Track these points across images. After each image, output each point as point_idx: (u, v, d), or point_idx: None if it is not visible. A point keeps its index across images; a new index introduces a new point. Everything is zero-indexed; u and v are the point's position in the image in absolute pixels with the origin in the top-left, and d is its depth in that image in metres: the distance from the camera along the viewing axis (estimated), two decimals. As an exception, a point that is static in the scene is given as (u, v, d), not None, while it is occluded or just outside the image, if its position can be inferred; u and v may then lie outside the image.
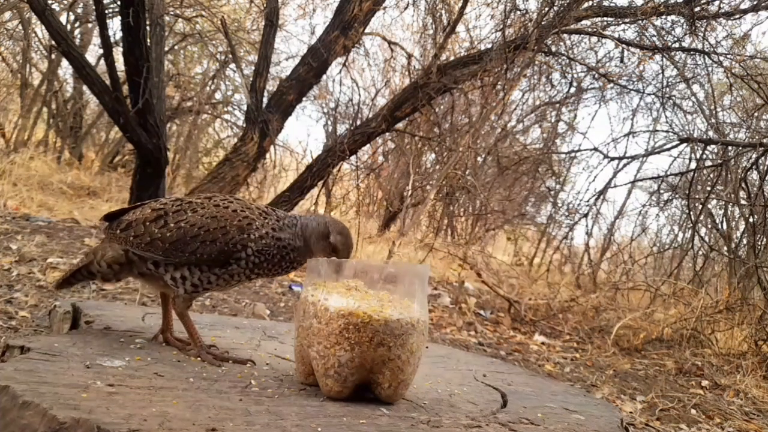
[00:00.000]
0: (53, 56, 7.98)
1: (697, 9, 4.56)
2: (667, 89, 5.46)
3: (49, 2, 4.52)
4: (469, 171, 6.59)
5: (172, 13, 6.55)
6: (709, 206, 5.60)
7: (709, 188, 5.38)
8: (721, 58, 4.86)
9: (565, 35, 5.25)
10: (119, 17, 4.04)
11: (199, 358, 1.46)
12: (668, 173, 5.97)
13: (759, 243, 4.84)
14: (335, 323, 1.25)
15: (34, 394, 1.05)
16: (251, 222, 1.45)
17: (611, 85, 5.83)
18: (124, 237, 1.49)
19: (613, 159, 5.67)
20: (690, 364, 3.93)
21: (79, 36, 8.44)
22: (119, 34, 4.43)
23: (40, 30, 8.10)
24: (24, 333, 2.39)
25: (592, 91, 6.39)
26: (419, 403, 1.35)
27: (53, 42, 4.50)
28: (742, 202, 5.16)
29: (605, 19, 5.08)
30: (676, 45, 5.05)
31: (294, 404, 1.22)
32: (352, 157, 6.69)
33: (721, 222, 5.77)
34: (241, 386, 1.29)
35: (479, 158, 7.06)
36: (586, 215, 6.04)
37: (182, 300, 1.49)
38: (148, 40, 4.12)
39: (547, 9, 4.63)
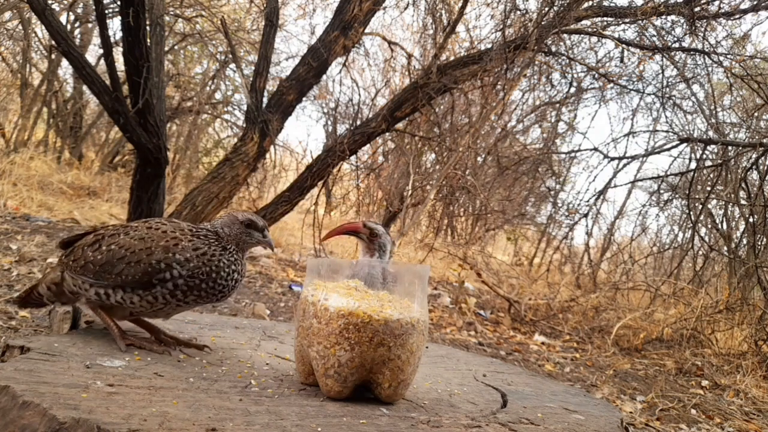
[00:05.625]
0: (53, 56, 7.98)
1: (697, 9, 4.56)
2: (667, 89, 5.46)
3: (49, 2, 4.51)
4: (469, 171, 6.59)
5: (172, 13, 6.55)
6: (709, 206, 5.60)
7: (709, 188, 5.38)
8: (721, 58, 4.86)
9: (565, 35, 5.25)
10: (119, 17, 4.04)
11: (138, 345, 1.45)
12: (668, 173, 5.96)
13: (759, 243, 4.83)
14: (335, 323, 1.25)
15: (34, 394, 1.06)
16: (178, 243, 1.43)
17: (611, 85, 5.82)
18: (66, 261, 1.53)
19: (613, 159, 5.67)
20: (690, 364, 3.93)
21: (79, 36, 8.44)
22: (119, 34, 4.44)
23: (40, 30, 8.10)
24: (24, 333, 2.39)
25: (592, 91, 6.39)
26: (419, 403, 1.35)
27: (53, 42, 4.50)
28: (742, 202, 5.16)
29: (605, 19, 5.08)
30: (676, 45, 5.04)
31: (294, 404, 1.22)
32: (352, 157, 6.68)
33: (721, 222, 5.77)
34: (241, 386, 1.30)
35: (479, 158, 7.06)
36: (586, 215, 6.03)
37: (93, 306, 1.50)
38: (148, 40, 4.12)
39: (547, 9, 4.63)
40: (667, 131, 5.82)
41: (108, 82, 4.19)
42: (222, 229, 1.48)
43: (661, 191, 6.34)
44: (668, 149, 5.54)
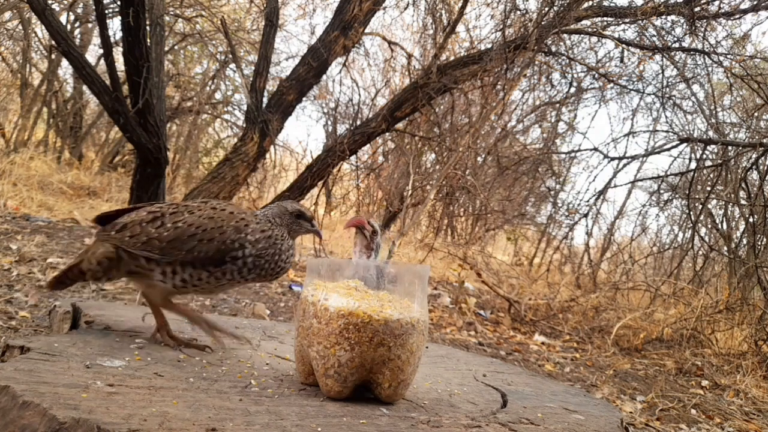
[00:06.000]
0: (53, 56, 7.98)
1: (697, 9, 4.56)
2: (667, 89, 5.46)
3: (49, 2, 4.51)
4: (469, 171, 6.59)
5: (172, 13, 6.55)
6: (709, 206, 5.60)
7: (709, 188, 5.38)
8: (721, 58, 4.86)
9: (565, 35, 5.25)
10: (119, 17, 4.04)
11: (164, 343, 1.52)
12: (668, 173, 5.96)
13: (759, 243, 4.83)
14: (335, 323, 1.25)
15: (34, 394, 1.06)
16: (248, 224, 1.51)
17: (611, 85, 5.83)
18: (119, 237, 1.52)
19: (613, 159, 5.67)
20: (690, 364, 3.93)
21: (79, 36, 8.44)
22: (119, 34, 4.44)
23: (40, 30, 8.10)
24: (24, 333, 2.39)
25: (592, 91, 6.39)
26: (419, 403, 1.35)
27: (53, 42, 4.50)
28: (742, 202, 5.16)
29: (605, 19, 5.08)
30: (676, 45, 5.05)
31: (294, 404, 1.22)
32: (352, 157, 6.69)
33: (721, 222, 5.76)
34: (241, 386, 1.30)
35: (479, 158, 7.06)
36: (586, 215, 6.03)
37: (158, 291, 1.52)
38: (148, 40, 4.12)
39: (547, 9, 4.63)
40: (667, 131, 5.83)
41: (108, 82, 4.19)
42: (273, 219, 1.56)
43: (661, 191, 6.34)
44: (668, 149, 5.54)
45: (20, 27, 8.02)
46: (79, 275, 1.61)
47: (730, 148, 5.18)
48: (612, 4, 5.00)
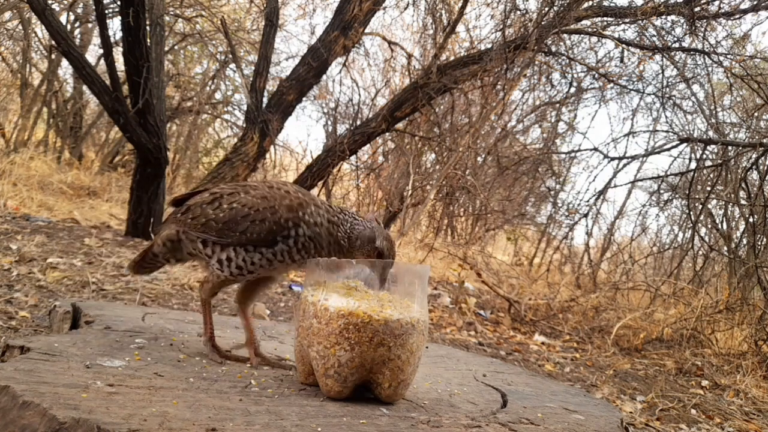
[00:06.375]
0: (53, 56, 7.98)
1: (697, 9, 4.56)
2: (667, 89, 5.46)
3: (49, 2, 4.52)
4: (469, 171, 6.59)
5: (172, 13, 6.55)
6: (709, 206, 5.60)
7: (709, 188, 5.38)
8: (721, 58, 4.86)
9: (565, 35, 5.25)
10: (119, 17, 4.05)
11: (206, 350, 1.51)
12: (668, 173, 5.96)
13: (759, 243, 4.83)
14: (335, 323, 1.25)
15: (34, 394, 1.06)
16: (302, 203, 1.47)
17: (611, 85, 5.83)
18: (183, 219, 1.55)
19: (613, 159, 5.67)
20: (690, 364, 3.93)
21: (79, 36, 8.44)
22: (119, 34, 4.44)
23: (40, 30, 8.10)
24: (24, 333, 2.39)
25: (592, 91, 6.39)
26: (419, 403, 1.35)
27: (53, 42, 4.51)
28: (742, 202, 5.16)
29: (605, 19, 5.08)
30: (676, 45, 5.05)
31: (294, 404, 1.22)
32: (352, 157, 6.69)
33: (721, 222, 5.76)
34: (241, 386, 1.30)
35: (479, 158, 7.06)
36: (586, 215, 6.03)
37: (210, 286, 1.52)
38: (148, 40, 4.12)
39: (547, 9, 4.63)
40: (667, 131, 5.83)
41: (108, 82, 4.20)
42: (359, 227, 1.49)
43: (661, 191, 6.34)
44: (668, 149, 5.54)
45: (20, 27, 8.03)
46: (153, 258, 1.64)
47: (730, 148, 5.18)
48: (612, 4, 5.00)
